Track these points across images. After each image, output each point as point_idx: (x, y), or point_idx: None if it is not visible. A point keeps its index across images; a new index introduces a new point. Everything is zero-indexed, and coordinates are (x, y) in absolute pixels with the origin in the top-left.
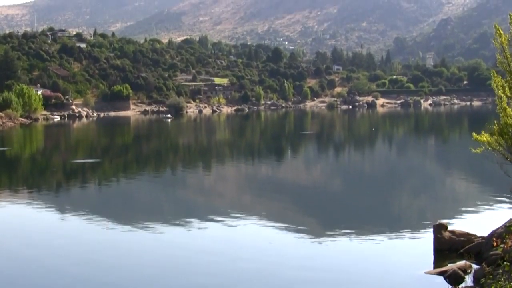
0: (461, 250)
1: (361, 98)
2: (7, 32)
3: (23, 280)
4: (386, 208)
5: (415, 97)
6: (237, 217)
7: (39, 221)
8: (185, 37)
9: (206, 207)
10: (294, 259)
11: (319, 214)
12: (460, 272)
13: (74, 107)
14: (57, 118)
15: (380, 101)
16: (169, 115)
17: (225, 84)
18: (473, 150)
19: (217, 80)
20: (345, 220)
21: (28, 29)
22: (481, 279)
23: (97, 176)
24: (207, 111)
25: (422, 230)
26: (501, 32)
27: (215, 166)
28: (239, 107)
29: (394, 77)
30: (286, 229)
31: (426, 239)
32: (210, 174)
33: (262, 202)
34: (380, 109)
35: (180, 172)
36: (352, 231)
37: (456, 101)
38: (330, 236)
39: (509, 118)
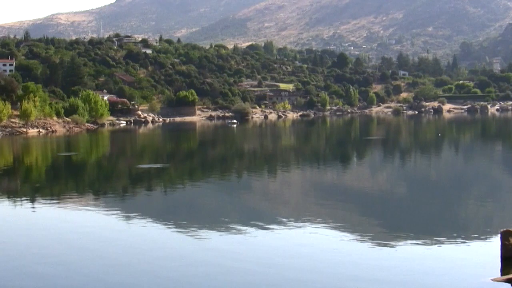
0: None
1: (427, 104)
2: (74, 38)
3: (89, 283)
4: (453, 215)
5: (481, 103)
6: (301, 223)
7: (105, 226)
8: (250, 43)
9: (271, 213)
10: (358, 265)
11: (384, 220)
12: None
13: (140, 112)
14: (123, 124)
15: (446, 106)
16: (235, 121)
17: (290, 90)
18: None
19: (282, 86)
20: (411, 226)
21: (94, 36)
22: None
23: (162, 181)
24: (272, 116)
25: (489, 237)
26: None
27: (280, 171)
28: (305, 112)
29: (461, 82)
30: (350, 235)
31: (493, 246)
32: (275, 180)
33: (327, 207)
34: (446, 115)
35: (245, 177)
36: (418, 237)
37: None
38: (395, 242)
39: None
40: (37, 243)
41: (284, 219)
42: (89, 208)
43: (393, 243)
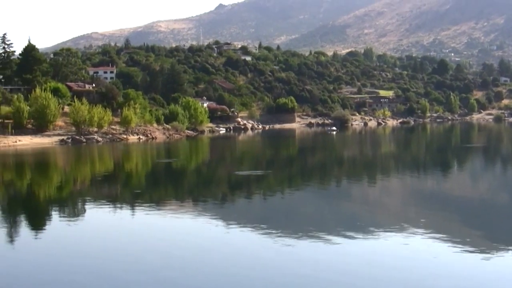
0: None
1: None
2: (174, 46)
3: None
4: None
5: None
6: (401, 230)
7: (204, 232)
8: (349, 50)
9: (370, 219)
10: (459, 274)
11: (485, 228)
12: None
13: (239, 119)
14: (222, 131)
15: None
16: (334, 128)
17: (390, 97)
18: None
19: (382, 93)
20: None
21: (194, 43)
22: None
23: (261, 188)
24: (372, 123)
25: None
26: None
27: (380, 179)
28: (405, 119)
29: None
30: (451, 243)
31: None
32: (375, 187)
33: (427, 215)
34: None
35: (344, 185)
36: None
37: None
38: (496, 251)
39: None
40: (136, 249)
41: (383, 226)
42: (188, 214)
43: (493, 251)
